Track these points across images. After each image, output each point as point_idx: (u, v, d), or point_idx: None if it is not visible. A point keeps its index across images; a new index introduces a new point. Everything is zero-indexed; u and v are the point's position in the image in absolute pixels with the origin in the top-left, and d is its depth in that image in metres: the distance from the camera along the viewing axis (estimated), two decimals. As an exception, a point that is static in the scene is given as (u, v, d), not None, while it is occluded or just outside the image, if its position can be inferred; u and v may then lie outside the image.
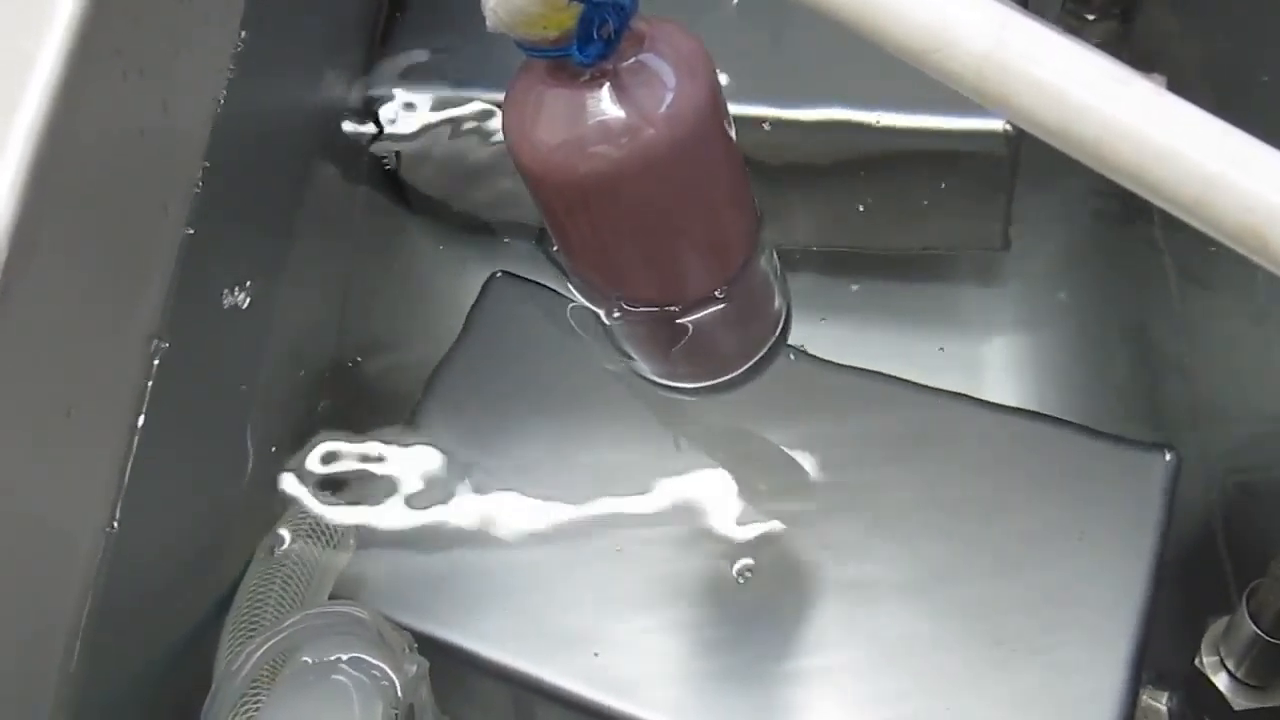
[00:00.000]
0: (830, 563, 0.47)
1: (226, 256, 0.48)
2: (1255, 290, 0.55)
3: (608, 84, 0.32)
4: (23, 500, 0.37)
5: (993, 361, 0.61)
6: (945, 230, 0.59)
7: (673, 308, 0.38)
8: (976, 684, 0.44)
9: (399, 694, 0.39)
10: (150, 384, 0.43)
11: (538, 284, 0.56)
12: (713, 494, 0.49)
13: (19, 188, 0.35)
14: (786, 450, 0.50)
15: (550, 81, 0.33)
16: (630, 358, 0.41)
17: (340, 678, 0.39)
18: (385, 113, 0.60)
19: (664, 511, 0.49)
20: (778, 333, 0.41)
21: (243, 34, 0.49)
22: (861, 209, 0.58)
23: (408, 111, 0.60)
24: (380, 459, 0.51)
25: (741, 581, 0.47)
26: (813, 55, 0.56)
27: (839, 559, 0.47)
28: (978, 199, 0.57)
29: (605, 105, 0.32)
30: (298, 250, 0.55)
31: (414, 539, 0.49)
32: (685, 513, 0.49)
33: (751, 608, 0.47)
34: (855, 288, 0.63)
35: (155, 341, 0.43)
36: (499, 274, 0.56)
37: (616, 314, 0.38)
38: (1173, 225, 0.26)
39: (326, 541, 0.48)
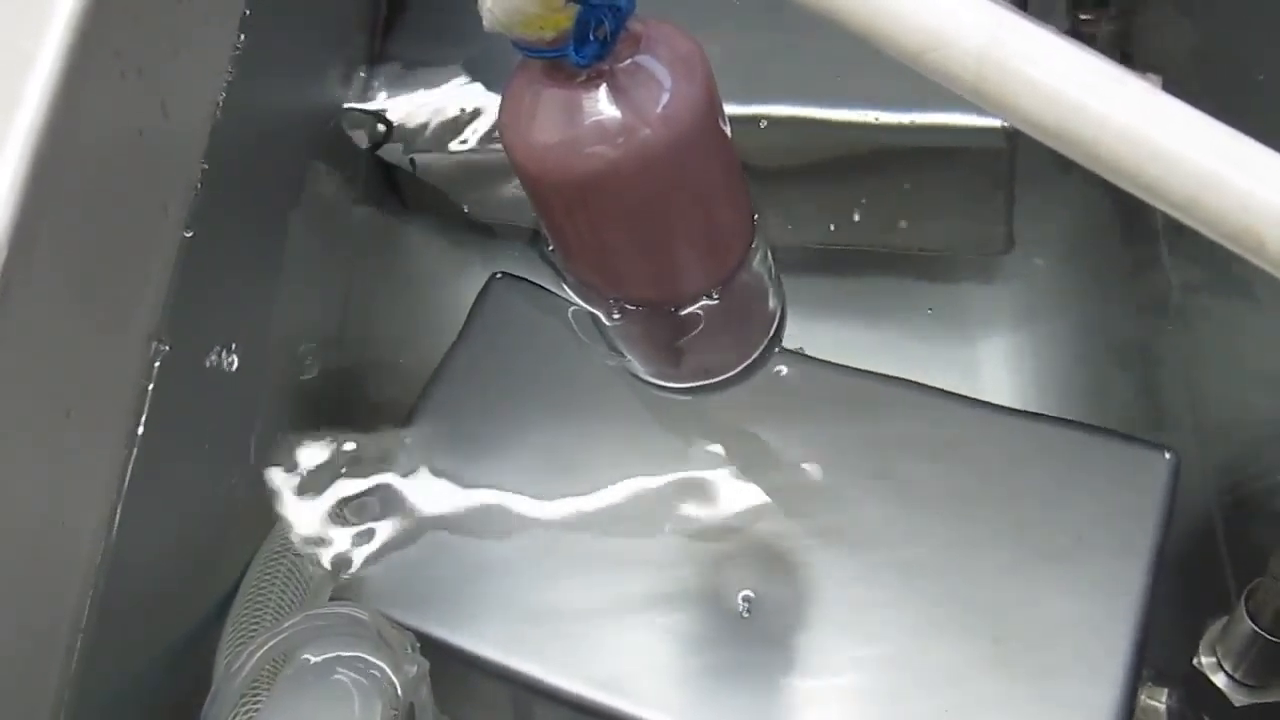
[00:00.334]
0: (829, 563, 0.47)
1: (226, 257, 0.48)
2: (1255, 290, 0.55)
3: (604, 85, 0.32)
4: (23, 501, 0.37)
5: (992, 361, 0.61)
6: (946, 229, 0.59)
7: (668, 308, 0.38)
8: (975, 683, 0.44)
9: (399, 694, 0.39)
10: (150, 385, 0.43)
11: (537, 285, 0.56)
12: (712, 495, 0.49)
13: (18, 188, 0.35)
14: (785, 451, 0.50)
15: (547, 82, 0.33)
16: (626, 357, 0.41)
17: (340, 678, 0.39)
18: (385, 113, 0.60)
19: (663, 512, 0.49)
20: (772, 333, 0.41)
21: (242, 35, 0.49)
22: (860, 208, 0.58)
23: (407, 113, 0.60)
24: (380, 459, 0.51)
25: (741, 582, 0.47)
26: (811, 54, 0.56)
27: (837, 559, 0.47)
28: (977, 197, 0.57)
29: (601, 106, 0.32)
30: (297, 250, 0.55)
31: (414, 539, 0.49)
32: (685, 513, 0.49)
33: (751, 608, 0.47)
34: (853, 287, 0.63)
35: (155, 343, 0.43)
36: (499, 275, 0.56)
37: (617, 315, 0.38)
38: (1172, 225, 0.26)
39: (326, 543, 0.48)
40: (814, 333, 0.49)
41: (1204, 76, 0.58)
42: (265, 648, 0.40)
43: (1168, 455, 0.48)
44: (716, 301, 0.38)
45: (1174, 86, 0.25)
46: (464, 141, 0.60)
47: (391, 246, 0.65)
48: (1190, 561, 0.53)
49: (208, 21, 0.47)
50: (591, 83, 0.33)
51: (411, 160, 0.61)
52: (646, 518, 0.49)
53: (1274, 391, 0.55)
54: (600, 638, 0.46)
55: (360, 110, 0.61)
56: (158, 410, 0.42)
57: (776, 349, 0.41)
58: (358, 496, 0.50)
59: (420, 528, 0.49)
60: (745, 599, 0.47)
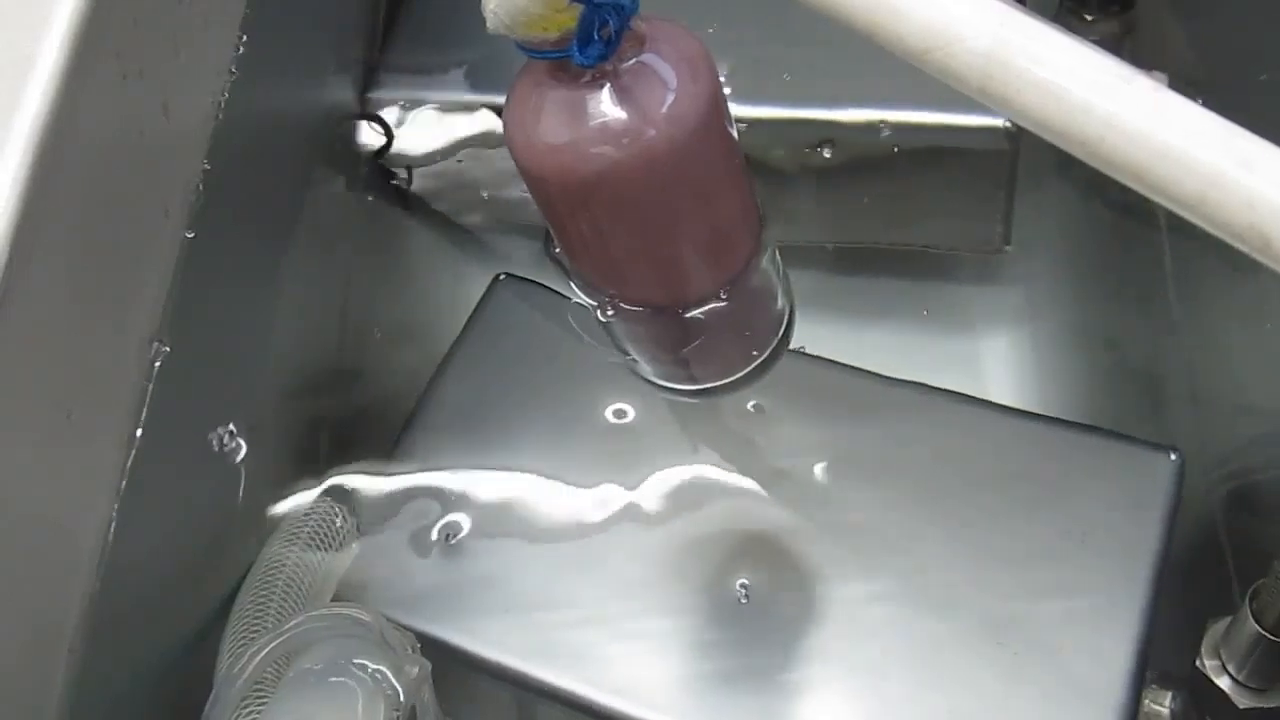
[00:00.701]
0: (831, 564, 0.47)
1: (227, 259, 0.48)
2: (1258, 289, 0.55)
3: (608, 85, 0.32)
4: (23, 501, 0.37)
5: (994, 360, 0.61)
6: (946, 228, 0.59)
7: (675, 308, 0.38)
8: (978, 685, 0.44)
9: (401, 696, 0.39)
10: (151, 386, 0.42)
11: (542, 286, 0.56)
12: (715, 496, 0.49)
13: (18, 190, 0.35)
14: (788, 452, 0.50)
15: (551, 83, 0.33)
16: (632, 358, 0.41)
17: (342, 679, 0.39)
18: (387, 117, 0.60)
19: (666, 513, 0.49)
20: (781, 333, 0.41)
21: (243, 37, 0.49)
22: (862, 207, 0.58)
23: (409, 115, 0.60)
24: (382, 460, 0.51)
25: (743, 584, 0.47)
26: (815, 54, 0.56)
27: (839, 560, 0.47)
28: (978, 196, 0.57)
29: (606, 106, 0.32)
30: (298, 251, 0.55)
31: (416, 540, 0.49)
32: (687, 514, 0.49)
33: (752, 608, 0.47)
34: (856, 286, 0.63)
35: (156, 344, 0.43)
36: (503, 275, 0.56)
37: (610, 311, 0.38)
38: (1174, 223, 0.26)
39: (328, 543, 0.48)
40: (816, 332, 0.49)
41: (1206, 76, 0.58)
42: (267, 649, 0.40)
43: (1172, 456, 0.48)
44: (724, 302, 0.38)
45: (1176, 86, 0.25)
46: (465, 142, 0.60)
47: (393, 247, 0.65)
48: (1193, 562, 0.53)
49: (209, 23, 0.47)
50: (596, 83, 0.32)
51: (409, 170, 0.61)
52: (649, 518, 0.49)
53: (1277, 391, 0.55)
54: (602, 639, 0.46)
55: (362, 113, 0.61)
56: (158, 411, 0.42)
57: (785, 349, 0.41)
58: (358, 497, 0.50)
59: (422, 528, 0.49)
60: (747, 600, 0.47)
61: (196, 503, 0.47)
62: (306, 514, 0.49)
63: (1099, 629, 0.44)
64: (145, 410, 0.42)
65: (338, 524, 0.49)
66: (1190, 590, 0.51)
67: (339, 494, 0.50)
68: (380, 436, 0.53)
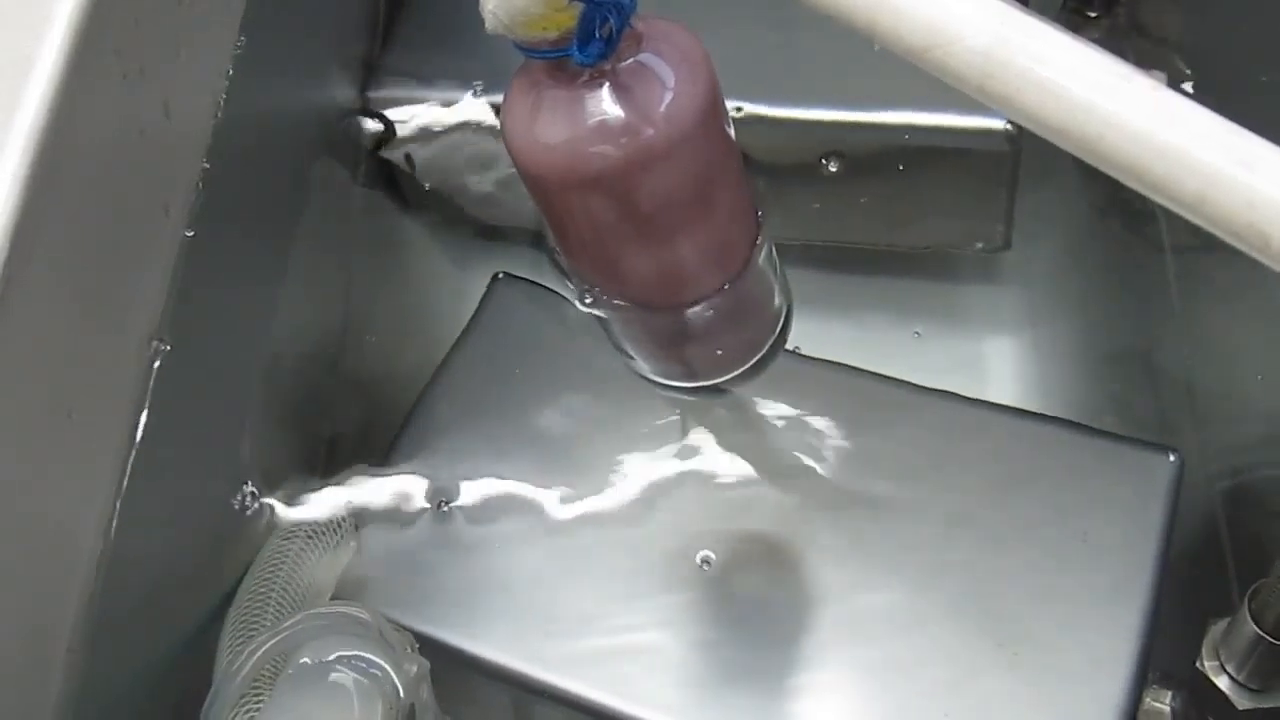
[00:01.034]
0: (831, 565, 0.47)
1: (227, 258, 0.48)
2: (1258, 289, 0.55)
3: (607, 84, 0.32)
4: (23, 500, 0.37)
5: (994, 361, 0.61)
6: (946, 228, 0.59)
7: (673, 307, 0.38)
8: (979, 685, 0.44)
9: (400, 694, 0.39)
10: (151, 385, 0.42)
11: (541, 286, 0.56)
12: (715, 496, 0.49)
13: (19, 189, 0.35)
14: (788, 453, 0.50)
15: (549, 82, 0.33)
16: (631, 357, 0.41)
17: (340, 677, 0.39)
18: (388, 115, 0.60)
19: (664, 514, 0.49)
20: (778, 332, 0.41)
21: (243, 36, 0.49)
22: (863, 207, 0.58)
23: (408, 114, 0.60)
24: (381, 459, 0.51)
25: (743, 583, 0.47)
26: (814, 54, 0.56)
27: (839, 561, 0.47)
28: (979, 197, 0.57)
29: (605, 105, 0.32)
30: (298, 251, 0.55)
31: (415, 539, 0.49)
32: (686, 514, 0.49)
33: (752, 609, 0.47)
34: (855, 286, 0.62)
35: (156, 343, 0.43)
36: (502, 275, 0.56)
37: (607, 310, 0.38)
38: (1175, 223, 0.26)
39: (327, 542, 0.48)
40: (816, 332, 0.49)
41: (1207, 76, 0.58)
42: (265, 647, 0.40)
43: (1171, 456, 0.48)
44: (721, 300, 0.38)
45: (1177, 86, 0.25)
46: (464, 143, 0.60)
47: (393, 246, 0.65)
48: (1193, 563, 0.53)
49: (209, 22, 0.47)
50: (594, 82, 0.32)
51: (408, 156, 0.61)
52: (648, 518, 0.49)
53: (1277, 391, 0.55)
54: (600, 639, 0.46)
55: (362, 111, 0.61)
56: (158, 410, 0.42)
57: (782, 348, 0.41)
58: (358, 496, 0.50)
59: (421, 527, 0.49)
60: (747, 600, 0.47)
61: (197, 501, 0.47)
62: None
63: (1099, 629, 0.44)
64: (146, 409, 0.42)
65: (336, 522, 0.49)
66: (1190, 590, 0.51)
67: (338, 493, 0.50)
68: (379, 434, 0.53)
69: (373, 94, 0.61)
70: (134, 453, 0.41)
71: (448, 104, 0.60)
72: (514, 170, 0.35)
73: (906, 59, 0.26)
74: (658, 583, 0.47)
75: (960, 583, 0.46)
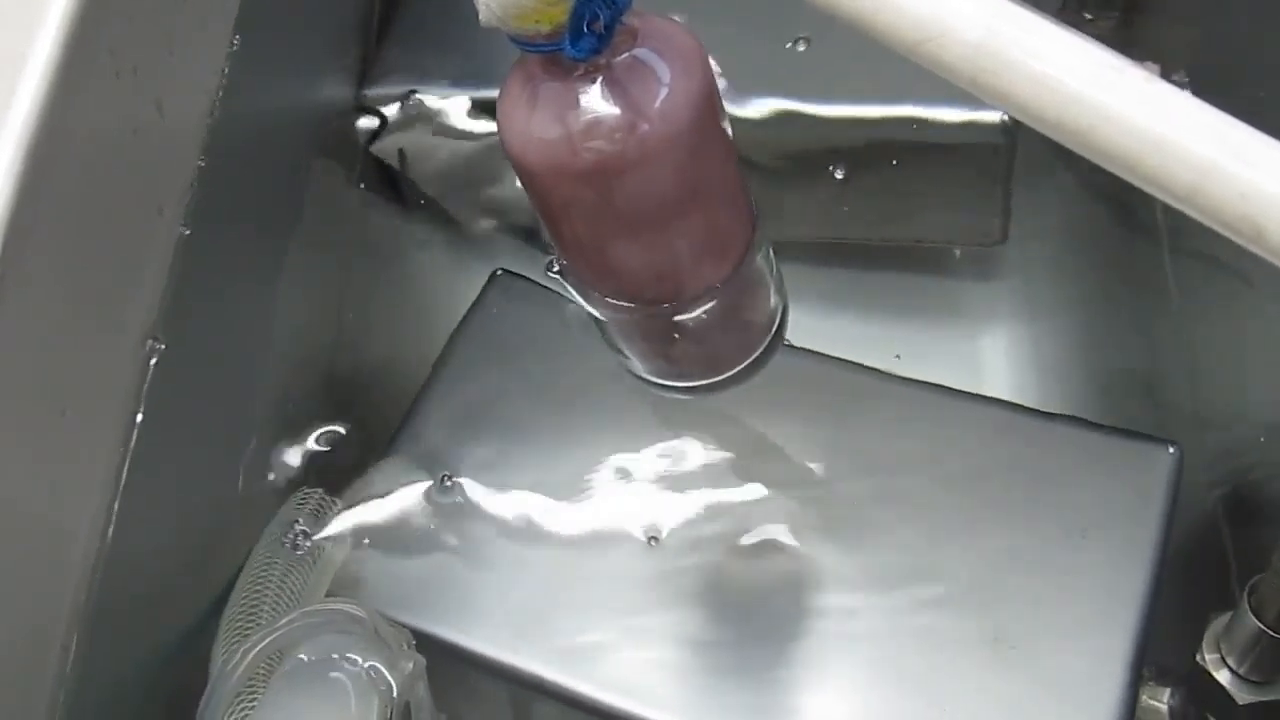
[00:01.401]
0: (829, 561, 0.47)
1: (223, 256, 0.48)
2: (1257, 282, 0.55)
3: (601, 79, 0.32)
4: (18, 499, 0.37)
5: (992, 355, 0.61)
6: (942, 223, 0.59)
7: (668, 306, 0.38)
8: (976, 680, 0.44)
9: (395, 691, 0.39)
10: (146, 384, 0.42)
11: (538, 283, 0.56)
12: (711, 493, 0.49)
13: (12, 187, 0.35)
14: (784, 449, 0.50)
15: (544, 77, 0.33)
16: (626, 356, 0.41)
17: (336, 675, 0.39)
18: (383, 112, 0.60)
19: (661, 510, 0.49)
20: (774, 330, 0.41)
21: (237, 33, 0.49)
22: (858, 201, 0.58)
23: (405, 110, 0.60)
24: (378, 457, 0.51)
25: (740, 581, 0.47)
26: (809, 49, 0.56)
27: (836, 559, 0.47)
28: (975, 191, 0.57)
29: (599, 101, 0.32)
30: (295, 249, 0.55)
31: (410, 536, 0.49)
32: (684, 512, 0.49)
33: (750, 606, 0.46)
34: (852, 281, 0.62)
35: (151, 342, 0.43)
36: (500, 272, 0.56)
37: (617, 313, 0.38)
38: (1172, 217, 0.25)
39: (323, 540, 0.48)
40: (811, 327, 0.49)
41: (1206, 76, 0.58)
42: (261, 645, 0.40)
43: (1170, 450, 0.48)
44: (717, 299, 0.38)
45: (1176, 84, 0.25)
46: (460, 138, 0.60)
47: (390, 244, 0.65)
48: (1193, 557, 0.53)
49: (202, 20, 0.47)
50: (588, 77, 0.32)
51: (401, 151, 0.60)
52: (645, 515, 0.49)
53: (1276, 384, 0.55)
54: (597, 635, 0.46)
55: (359, 108, 0.61)
56: (153, 409, 0.42)
57: (779, 346, 0.41)
58: (355, 494, 0.50)
59: (416, 525, 0.49)
60: (743, 597, 0.47)
61: (192, 500, 0.47)
62: (300, 509, 0.49)
63: (1097, 624, 0.44)
64: (141, 408, 0.42)
65: (332, 520, 0.49)
66: (1190, 584, 0.51)
67: (334, 490, 0.50)
68: (377, 432, 0.53)
69: (369, 91, 0.61)
70: (129, 452, 0.41)
71: (444, 101, 0.59)
72: (510, 166, 0.35)
73: (899, 52, 0.26)
74: (652, 579, 0.47)
75: (957, 578, 0.46)
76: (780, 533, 0.48)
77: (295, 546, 0.47)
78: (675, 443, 0.50)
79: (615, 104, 0.32)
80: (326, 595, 0.47)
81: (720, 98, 0.35)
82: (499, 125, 0.34)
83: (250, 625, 0.44)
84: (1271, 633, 0.43)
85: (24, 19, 0.38)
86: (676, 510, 0.49)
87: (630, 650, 0.46)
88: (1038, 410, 0.50)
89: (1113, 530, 0.46)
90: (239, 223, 0.50)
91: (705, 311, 0.38)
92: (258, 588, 0.45)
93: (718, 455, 0.50)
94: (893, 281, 0.63)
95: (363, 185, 0.62)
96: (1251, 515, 0.54)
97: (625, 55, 0.33)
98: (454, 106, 0.59)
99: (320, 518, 0.49)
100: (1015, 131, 0.54)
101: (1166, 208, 0.24)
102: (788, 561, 0.47)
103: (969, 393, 0.50)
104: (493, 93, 0.58)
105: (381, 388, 0.60)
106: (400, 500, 0.50)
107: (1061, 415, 0.50)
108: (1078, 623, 0.44)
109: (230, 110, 0.48)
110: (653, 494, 0.49)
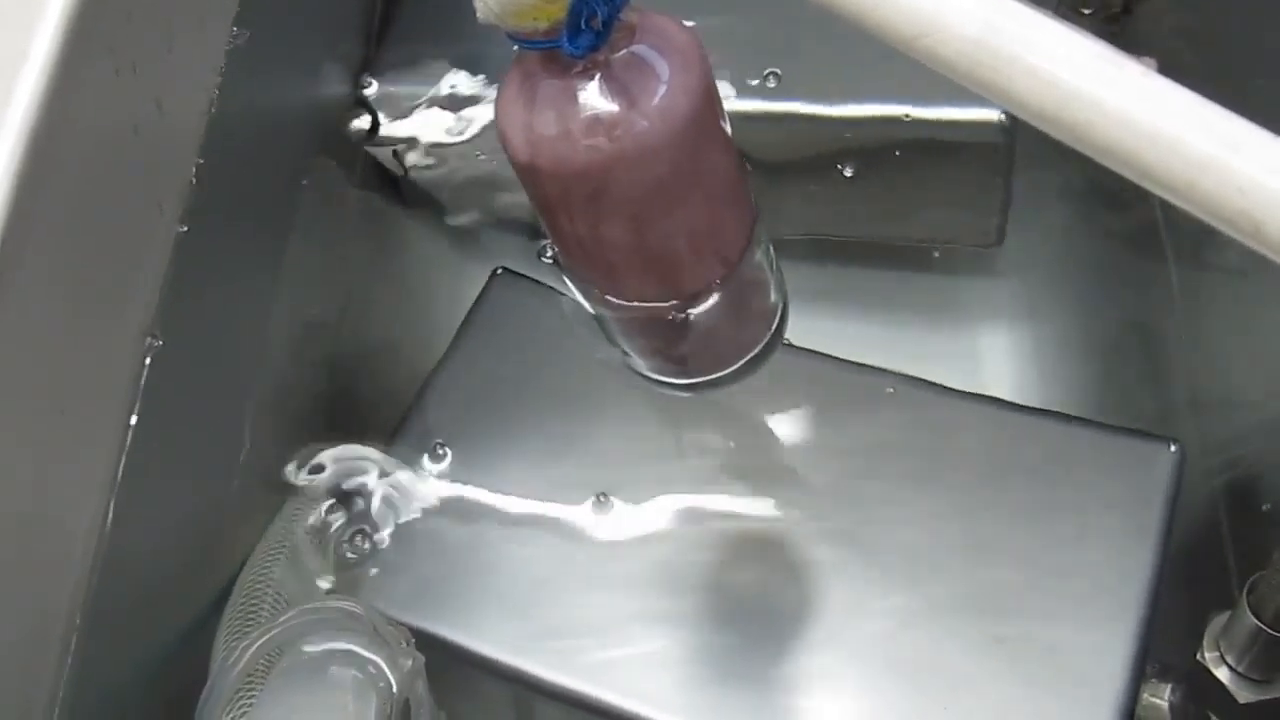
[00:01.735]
0: (829, 560, 0.47)
1: (221, 254, 0.48)
2: (1257, 280, 0.55)
3: (600, 76, 0.32)
4: (16, 497, 0.37)
5: (991, 354, 0.61)
6: (941, 221, 0.59)
7: (668, 302, 0.38)
8: (977, 678, 0.44)
9: (394, 688, 0.39)
10: (144, 381, 0.42)
11: (539, 282, 0.56)
12: (712, 491, 0.49)
13: (11, 185, 0.35)
14: (785, 448, 0.50)
15: (542, 74, 0.33)
16: (626, 353, 0.41)
17: (335, 672, 0.39)
18: (382, 110, 0.60)
19: (661, 509, 0.49)
20: (774, 328, 0.41)
21: (236, 31, 0.49)
22: (857, 201, 0.58)
23: (404, 108, 0.60)
24: (378, 455, 0.51)
25: (741, 580, 0.47)
26: (808, 47, 0.56)
27: (836, 558, 0.47)
28: (974, 189, 0.57)
29: (597, 97, 0.32)
30: (294, 247, 0.55)
31: (410, 535, 0.49)
32: (683, 511, 0.49)
33: (749, 607, 0.46)
34: (850, 280, 0.62)
35: (149, 339, 0.43)
36: (500, 271, 0.56)
37: (616, 310, 0.38)
38: (1172, 214, 0.25)
39: (323, 537, 0.48)
40: (811, 326, 0.49)
41: (1205, 75, 0.58)
42: (260, 641, 0.40)
43: (1172, 448, 0.48)
44: (717, 296, 0.38)
45: (1170, 74, 0.25)
46: (459, 137, 0.60)
47: (390, 242, 0.65)
48: (1194, 555, 0.53)
49: (201, 18, 0.47)
50: (587, 74, 0.32)
51: (399, 150, 0.60)
52: (645, 514, 0.49)
53: (1276, 383, 0.55)
54: (597, 635, 0.46)
55: (357, 105, 0.61)
56: (151, 407, 0.42)
57: (779, 343, 0.41)
58: (355, 492, 0.50)
59: (417, 523, 0.49)
60: (744, 597, 0.47)
61: (191, 498, 0.47)
62: (300, 507, 0.49)
63: (1098, 622, 0.44)
64: (139, 405, 0.42)
65: (332, 518, 0.49)
66: (1191, 582, 0.51)
67: (334, 488, 0.50)
68: (377, 430, 0.53)
69: (368, 90, 0.61)
70: (128, 449, 0.41)
71: (443, 98, 0.59)
72: (509, 163, 0.35)
73: (896, 48, 0.26)
74: (653, 578, 0.47)
75: (958, 577, 0.46)
76: (781, 532, 0.48)
77: (297, 543, 0.47)
78: (676, 440, 0.50)
79: (614, 100, 0.32)
80: (326, 593, 0.47)
81: (718, 93, 0.35)
82: (497, 123, 0.34)
83: (251, 622, 0.44)
84: (1271, 631, 0.43)
85: (23, 17, 0.38)
86: (677, 509, 0.49)
87: (631, 651, 0.46)
88: (1038, 409, 0.50)
89: (1114, 528, 0.46)
90: (238, 220, 0.50)
91: (705, 308, 0.38)
92: (258, 585, 0.45)
93: (719, 455, 0.50)
94: (893, 281, 0.63)
95: (362, 183, 0.62)
96: (1252, 513, 0.54)
97: (623, 51, 0.33)
98: (453, 104, 0.59)
99: (321, 518, 0.49)
100: (1014, 129, 0.54)
101: (1165, 204, 0.24)
102: (789, 561, 0.47)
103: (969, 392, 0.50)
104: (491, 90, 0.58)
105: (381, 385, 0.60)
106: (400, 498, 0.50)
107: (1061, 414, 0.50)
108: (1079, 620, 0.44)
109: (229, 108, 0.48)
110: (653, 493, 0.49)
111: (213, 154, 0.46)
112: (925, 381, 0.51)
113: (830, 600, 0.46)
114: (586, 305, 0.39)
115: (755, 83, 0.55)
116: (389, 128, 0.60)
